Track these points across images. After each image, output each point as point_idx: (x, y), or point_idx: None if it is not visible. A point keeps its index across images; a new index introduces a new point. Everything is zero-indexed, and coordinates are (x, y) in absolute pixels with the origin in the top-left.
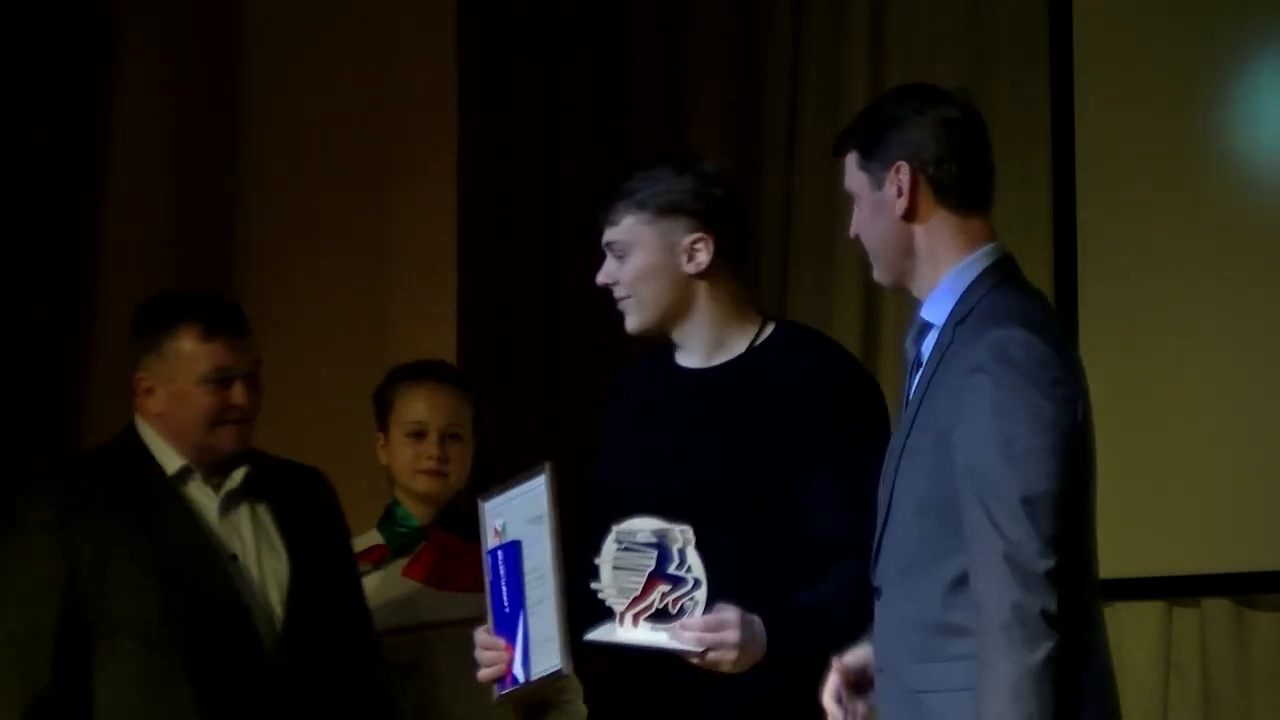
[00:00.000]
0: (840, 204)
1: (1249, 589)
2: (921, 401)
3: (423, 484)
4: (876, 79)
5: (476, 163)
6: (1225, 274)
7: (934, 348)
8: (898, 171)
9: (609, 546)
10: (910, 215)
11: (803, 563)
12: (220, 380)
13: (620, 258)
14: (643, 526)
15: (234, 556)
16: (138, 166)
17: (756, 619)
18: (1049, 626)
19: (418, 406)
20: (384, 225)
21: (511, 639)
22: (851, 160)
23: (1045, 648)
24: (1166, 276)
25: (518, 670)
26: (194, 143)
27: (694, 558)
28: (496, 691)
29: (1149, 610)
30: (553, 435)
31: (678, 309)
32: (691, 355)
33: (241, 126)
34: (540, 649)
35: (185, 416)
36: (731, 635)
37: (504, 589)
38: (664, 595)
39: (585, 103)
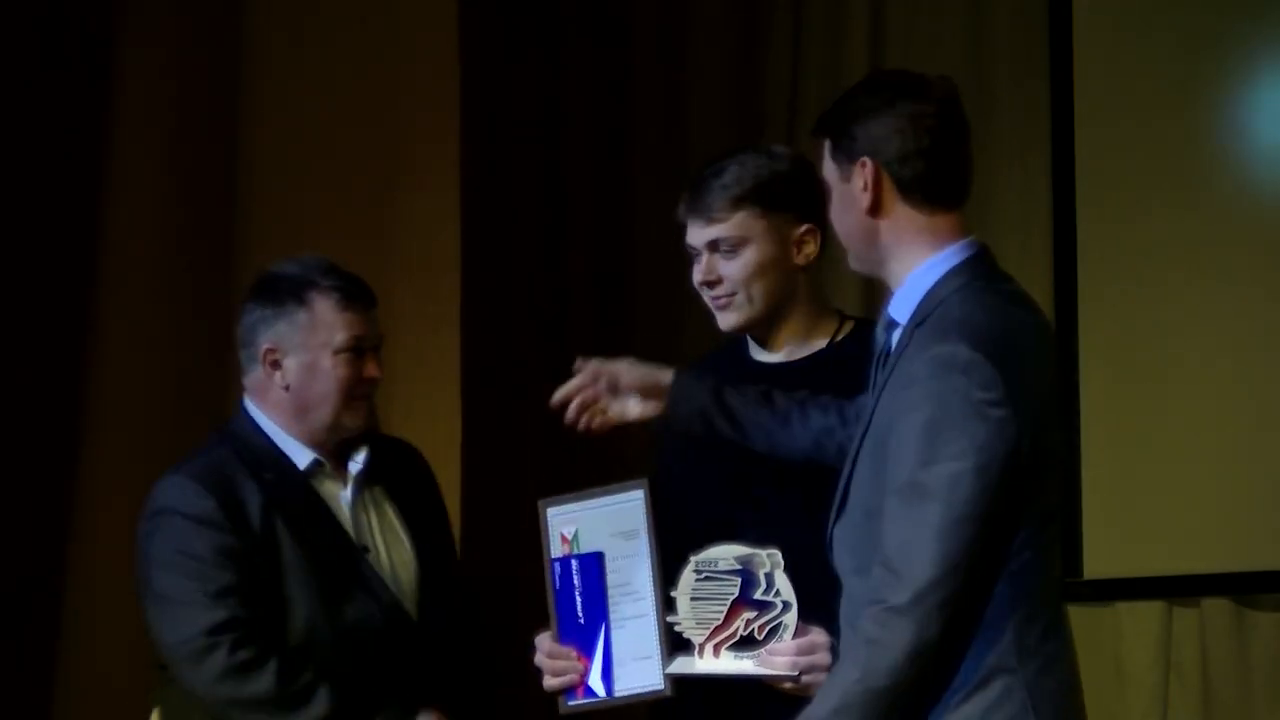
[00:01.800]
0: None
1: (1249, 589)
2: (878, 401)
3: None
4: None
5: (479, 164)
6: (1225, 274)
7: (896, 346)
8: (863, 166)
9: (686, 577)
10: (874, 210)
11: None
12: (355, 350)
13: (728, 253)
14: (724, 554)
15: (366, 549)
16: (138, 167)
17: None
18: (912, 656)
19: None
20: (386, 226)
21: (587, 651)
22: (825, 148)
23: (892, 677)
24: (1166, 276)
25: (595, 683)
26: (194, 143)
27: (782, 580)
28: (565, 702)
29: (1149, 610)
30: (556, 436)
31: (783, 304)
32: (774, 350)
33: (242, 127)
34: (630, 666)
35: (318, 389)
36: (824, 658)
37: (578, 599)
38: (749, 622)
39: (586, 103)
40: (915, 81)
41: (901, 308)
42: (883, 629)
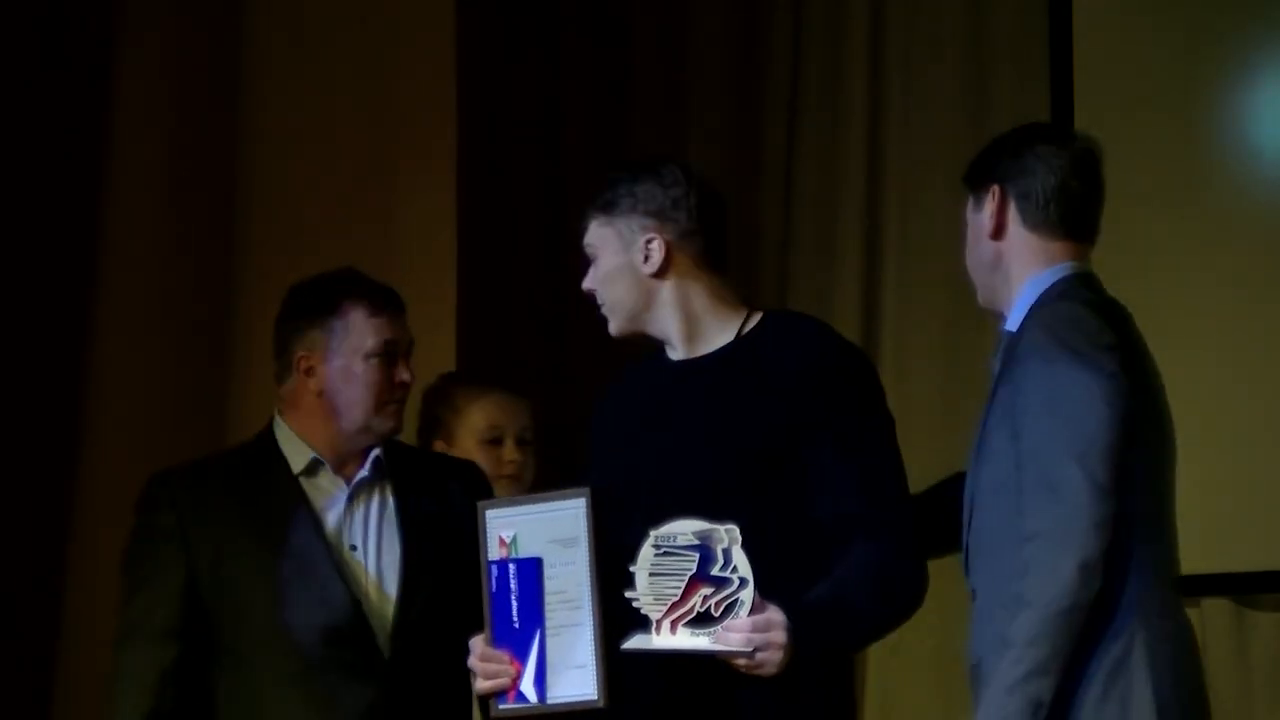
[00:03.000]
0: (839, 204)
1: (1249, 589)
2: (992, 399)
3: (502, 488)
4: (876, 80)
5: (476, 164)
6: (1225, 274)
7: (1007, 348)
8: (992, 194)
9: (645, 552)
10: (996, 233)
11: (816, 548)
12: (387, 354)
13: (593, 261)
14: (683, 529)
15: (354, 547)
16: (137, 168)
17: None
18: (1089, 575)
19: (492, 413)
20: (383, 226)
21: (520, 656)
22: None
23: (1078, 595)
24: (1166, 277)
25: (527, 689)
26: (193, 143)
27: (740, 557)
28: (496, 705)
29: None
30: (553, 436)
31: (643, 309)
32: (676, 351)
33: (241, 128)
34: (565, 674)
35: (351, 394)
36: (779, 636)
37: (513, 603)
38: (705, 599)
39: (585, 103)
40: (1058, 131)
41: (1015, 319)
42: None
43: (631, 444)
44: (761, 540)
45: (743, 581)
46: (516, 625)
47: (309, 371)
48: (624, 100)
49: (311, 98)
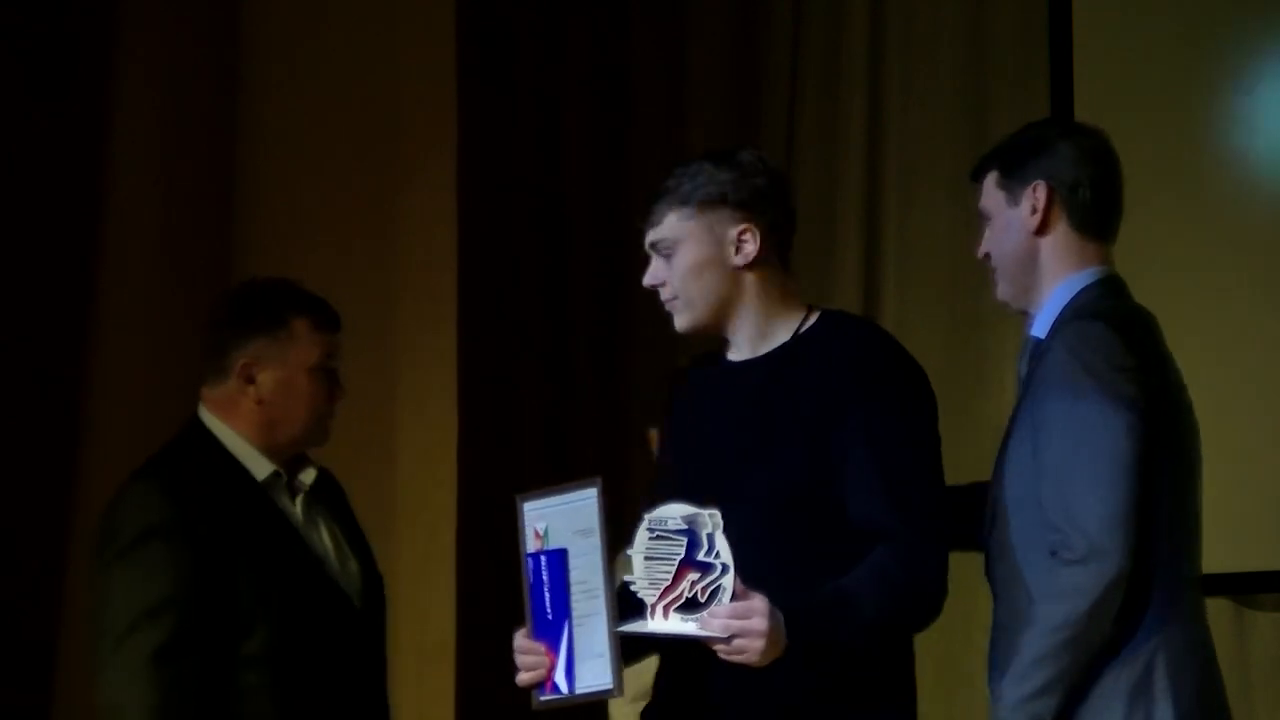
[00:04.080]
0: (839, 204)
1: (1249, 589)
2: (1018, 408)
3: None
4: (876, 80)
5: (477, 163)
6: (1225, 274)
7: (1034, 354)
8: (1035, 189)
9: (641, 536)
10: (1041, 230)
11: (849, 549)
12: (327, 370)
13: (667, 256)
14: (673, 513)
15: (321, 560)
16: (137, 169)
17: (779, 612)
18: (1103, 603)
19: None
20: (384, 225)
21: (554, 647)
22: (990, 180)
23: (1089, 622)
24: (1165, 276)
25: (560, 679)
26: (193, 142)
27: (722, 542)
28: (536, 697)
29: None
30: (554, 434)
31: (727, 303)
32: (740, 349)
33: (241, 126)
34: (587, 664)
35: (292, 407)
36: (759, 623)
37: (547, 595)
38: (693, 584)
39: (585, 102)
40: (1078, 124)
41: (1044, 322)
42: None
43: (696, 447)
44: (808, 541)
45: (724, 567)
46: (550, 616)
47: (250, 379)
48: (624, 100)
49: (311, 99)
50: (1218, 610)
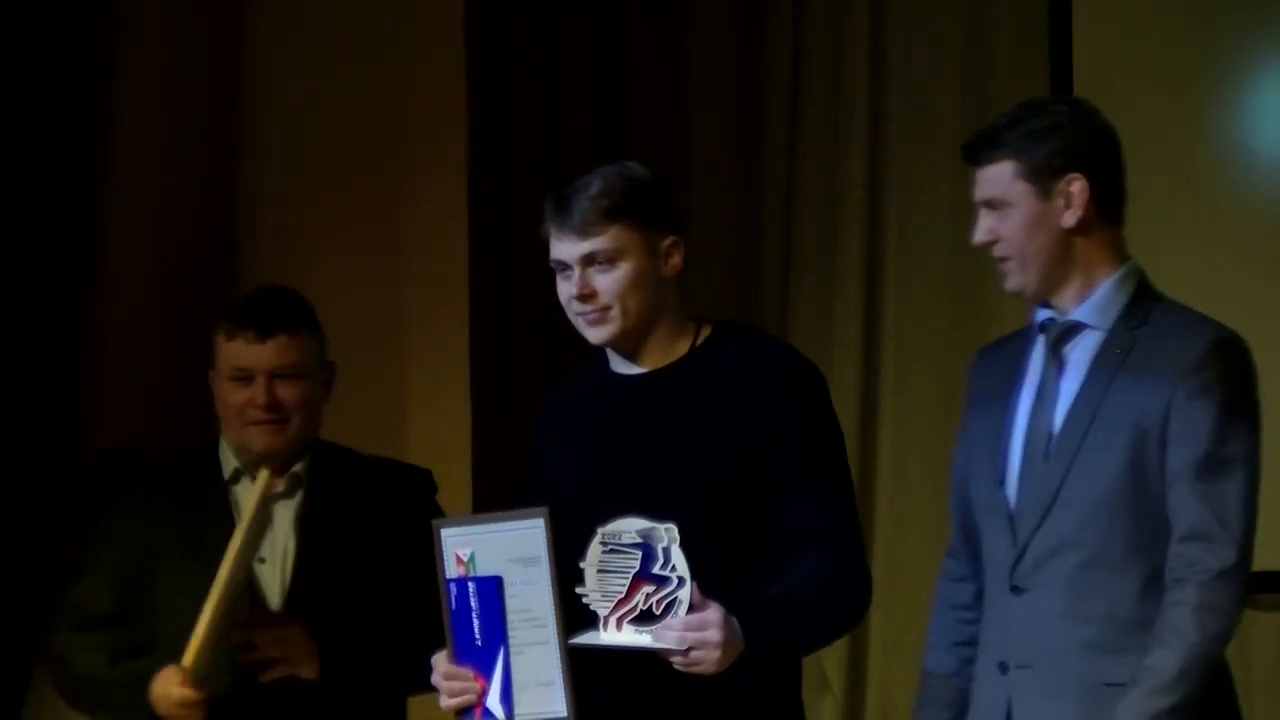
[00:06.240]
0: (839, 204)
1: (1249, 589)
2: (1103, 398)
3: None
4: (876, 79)
5: (486, 163)
6: (1225, 270)
7: (1103, 348)
8: (1071, 184)
9: (594, 549)
10: (1080, 227)
11: (770, 556)
12: (242, 379)
13: (604, 267)
14: (628, 527)
15: (262, 560)
16: (141, 167)
17: (733, 618)
18: (1236, 614)
19: None
20: (393, 226)
21: (484, 673)
22: (1007, 169)
23: (1225, 636)
24: (1165, 272)
25: (494, 706)
26: (198, 143)
27: (678, 556)
28: None
29: None
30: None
31: (655, 315)
32: (639, 362)
33: (246, 127)
34: (532, 691)
35: (222, 413)
36: (714, 635)
37: (475, 621)
38: (648, 596)
39: (590, 100)
40: (1083, 101)
41: (1098, 313)
42: (1214, 594)
43: (588, 459)
44: (722, 548)
45: (680, 580)
46: (479, 643)
47: (211, 386)
48: (627, 100)
49: (318, 98)
50: None
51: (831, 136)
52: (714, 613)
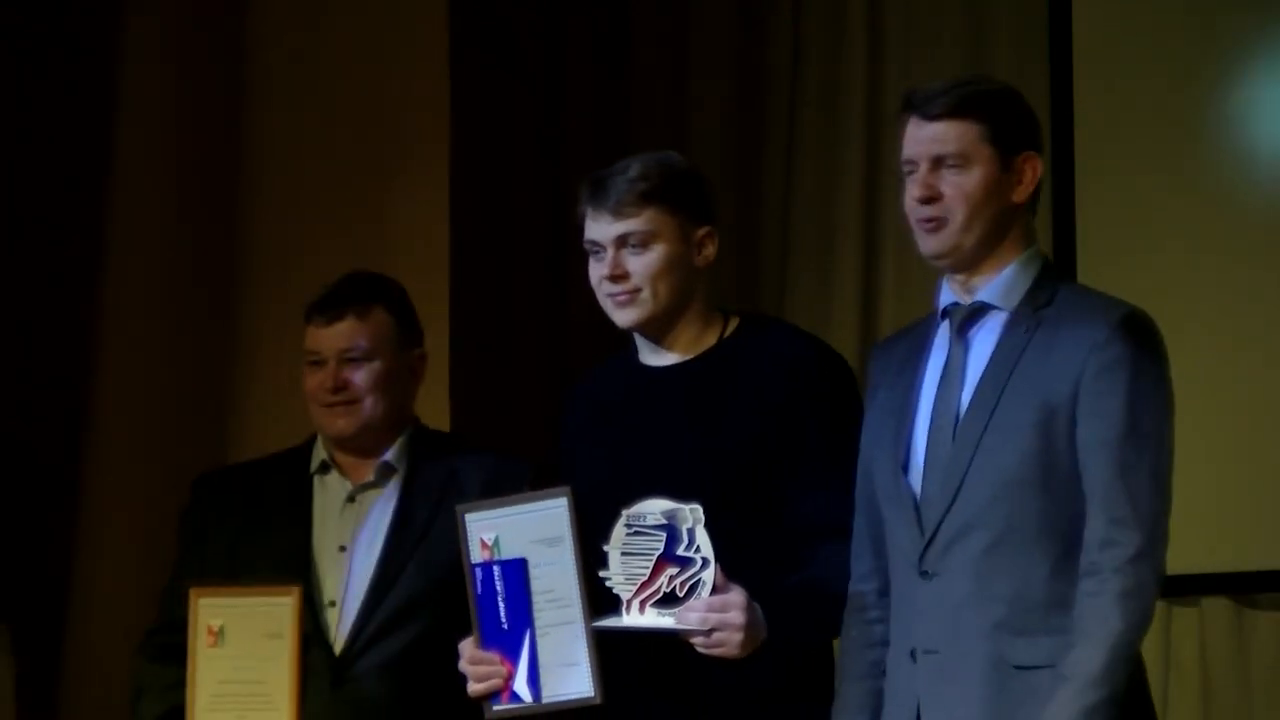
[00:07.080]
0: (838, 204)
1: (1249, 589)
2: (1009, 377)
3: None
4: (875, 79)
5: (470, 164)
6: (1225, 267)
7: (1008, 329)
8: (1026, 160)
9: (618, 531)
10: (1031, 206)
11: (791, 546)
12: (315, 363)
13: (637, 249)
14: (652, 509)
15: (342, 548)
16: (140, 169)
17: (756, 604)
18: (1154, 597)
19: None
20: (378, 226)
21: (511, 657)
22: (975, 130)
23: (1146, 622)
24: (1166, 270)
25: (521, 689)
26: (195, 145)
27: (703, 537)
28: (490, 707)
29: None
30: (550, 436)
31: (683, 303)
32: (664, 353)
33: (240, 128)
34: (557, 672)
35: (306, 399)
36: (737, 616)
37: (501, 605)
38: (671, 579)
39: (584, 103)
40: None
41: (1003, 294)
42: (1131, 580)
43: (620, 447)
44: (747, 537)
45: (705, 562)
46: (505, 626)
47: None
48: (623, 99)
49: (307, 99)
50: (1218, 610)
51: (831, 136)
52: (737, 595)
